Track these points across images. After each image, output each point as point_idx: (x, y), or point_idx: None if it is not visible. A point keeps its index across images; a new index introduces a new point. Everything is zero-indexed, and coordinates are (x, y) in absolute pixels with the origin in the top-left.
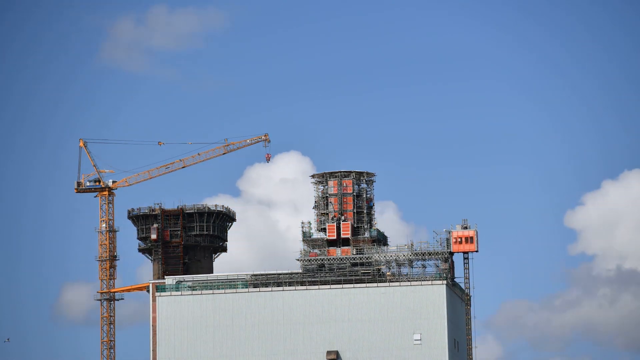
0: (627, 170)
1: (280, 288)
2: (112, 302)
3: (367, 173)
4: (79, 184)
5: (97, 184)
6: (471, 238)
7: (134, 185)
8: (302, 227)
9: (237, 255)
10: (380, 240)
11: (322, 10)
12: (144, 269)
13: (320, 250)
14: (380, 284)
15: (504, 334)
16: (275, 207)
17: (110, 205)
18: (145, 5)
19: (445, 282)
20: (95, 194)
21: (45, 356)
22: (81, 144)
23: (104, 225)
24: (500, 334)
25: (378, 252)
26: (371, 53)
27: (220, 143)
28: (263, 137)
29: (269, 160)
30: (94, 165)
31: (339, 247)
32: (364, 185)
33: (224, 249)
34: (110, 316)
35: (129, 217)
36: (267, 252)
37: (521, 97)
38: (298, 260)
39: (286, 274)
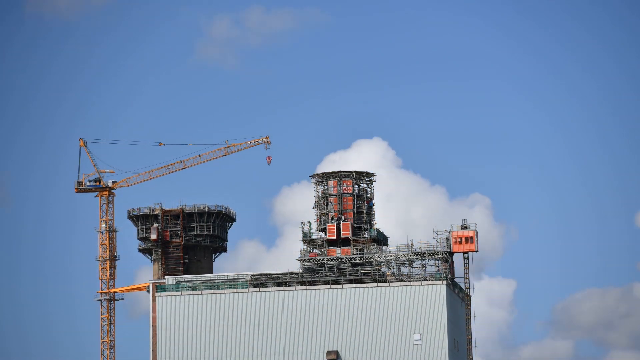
0: None
1: (280, 288)
2: (112, 302)
3: (367, 173)
4: (79, 183)
5: (98, 183)
6: (471, 238)
7: (134, 185)
8: (302, 227)
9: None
10: (380, 240)
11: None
12: (144, 269)
13: (320, 250)
14: (380, 284)
15: (570, 329)
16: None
17: (110, 205)
18: (242, 5)
19: (445, 282)
20: (95, 193)
21: (45, 356)
22: (81, 143)
23: (104, 225)
24: (565, 330)
25: (378, 252)
26: (370, 53)
27: (222, 145)
28: (264, 140)
29: (270, 162)
30: (94, 165)
31: (339, 247)
32: (363, 185)
33: (224, 249)
34: (110, 316)
35: (129, 217)
36: None
37: (522, 97)
38: (298, 260)
39: (286, 274)
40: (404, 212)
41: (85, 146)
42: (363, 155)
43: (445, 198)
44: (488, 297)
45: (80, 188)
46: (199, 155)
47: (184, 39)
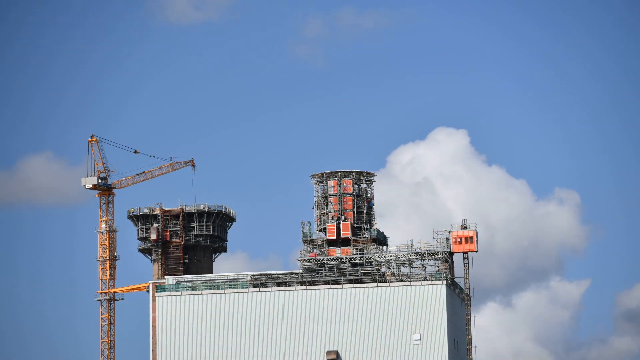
0: None
1: (280, 288)
2: (112, 302)
3: (367, 173)
4: (100, 179)
5: (103, 181)
6: (471, 238)
7: (134, 186)
8: (302, 227)
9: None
10: (380, 240)
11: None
12: (144, 269)
13: (320, 250)
14: (380, 284)
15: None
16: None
17: (110, 205)
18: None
19: (445, 282)
20: (96, 192)
21: (45, 356)
22: (93, 139)
23: (104, 225)
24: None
25: (378, 252)
26: (370, 52)
27: (167, 161)
28: (189, 162)
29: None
30: (103, 164)
31: (339, 247)
32: (363, 185)
33: (224, 249)
34: (110, 316)
35: (129, 217)
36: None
37: (522, 96)
38: (298, 260)
39: (286, 274)
40: (486, 212)
41: (97, 143)
42: (440, 147)
43: (531, 197)
44: (559, 298)
45: (97, 185)
46: (149, 171)
47: (278, 37)
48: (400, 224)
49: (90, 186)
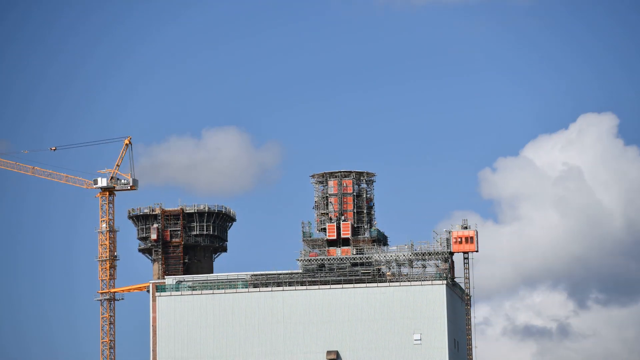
0: None
1: (280, 288)
2: (112, 302)
3: (367, 173)
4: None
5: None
6: (471, 238)
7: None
8: (302, 227)
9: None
10: (380, 240)
11: (318, 6)
12: (144, 269)
13: (320, 250)
14: (380, 284)
15: None
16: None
17: (111, 205)
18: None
19: (445, 282)
20: (97, 192)
21: (45, 356)
22: (127, 141)
23: (104, 225)
24: None
25: (378, 252)
26: (370, 52)
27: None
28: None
29: None
30: (117, 165)
31: (339, 247)
32: (364, 185)
33: (224, 249)
34: (110, 316)
35: (129, 217)
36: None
37: (522, 95)
38: (298, 260)
39: (286, 274)
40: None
41: (130, 145)
42: (585, 134)
43: None
44: None
45: (116, 189)
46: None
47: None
48: (548, 215)
49: (100, 185)
